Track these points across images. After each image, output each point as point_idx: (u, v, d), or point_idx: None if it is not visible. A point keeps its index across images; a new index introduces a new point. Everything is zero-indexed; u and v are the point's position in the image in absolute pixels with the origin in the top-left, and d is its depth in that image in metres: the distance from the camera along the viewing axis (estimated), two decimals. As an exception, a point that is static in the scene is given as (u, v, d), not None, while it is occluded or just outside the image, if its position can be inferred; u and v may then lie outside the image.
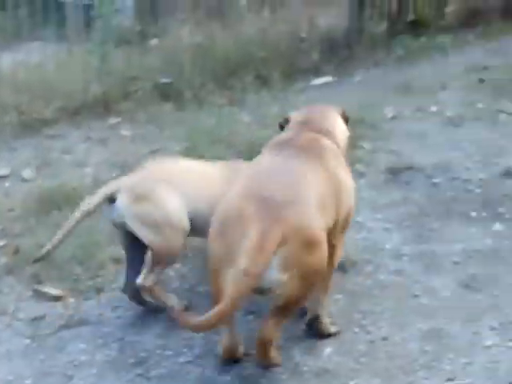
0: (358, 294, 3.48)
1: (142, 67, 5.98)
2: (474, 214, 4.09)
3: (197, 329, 2.85)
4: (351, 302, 3.42)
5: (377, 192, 4.38)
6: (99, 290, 3.56)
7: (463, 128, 5.17)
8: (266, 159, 3.10)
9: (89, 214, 3.26)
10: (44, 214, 4.12)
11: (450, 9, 7.42)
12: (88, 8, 6.84)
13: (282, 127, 3.38)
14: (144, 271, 3.25)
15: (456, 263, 3.67)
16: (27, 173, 4.67)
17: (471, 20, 7.39)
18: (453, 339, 3.15)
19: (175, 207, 3.24)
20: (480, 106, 5.49)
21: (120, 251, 3.58)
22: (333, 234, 3.02)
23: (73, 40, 6.23)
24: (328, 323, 3.19)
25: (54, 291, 3.53)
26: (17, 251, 3.81)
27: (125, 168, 4.68)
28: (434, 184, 4.43)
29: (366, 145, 4.91)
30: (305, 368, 3.02)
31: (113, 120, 5.44)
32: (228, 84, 5.93)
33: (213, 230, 2.85)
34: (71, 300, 3.49)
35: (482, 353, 3.06)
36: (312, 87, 5.85)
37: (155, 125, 5.39)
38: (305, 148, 3.07)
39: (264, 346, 2.89)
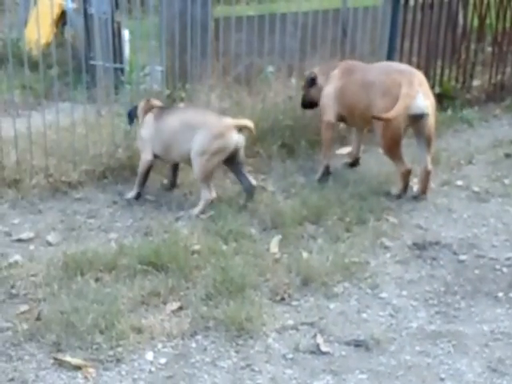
0: (382, 375, 3.41)
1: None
2: (500, 294, 4.03)
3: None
4: (374, 383, 3.36)
5: (402, 267, 4.35)
6: (119, 361, 3.51)
7: (490, 203, 5.15)
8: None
9: None
10: (67, 279, 4.09)
11: (476, 83, 7.47)
12: (118, 71, 6.97)
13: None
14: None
15: (483, 345, 3.60)
16: (52, 237, 4.65)
17: (498, 94, 7.44)
18: (480, 427, 3.08)
19: None
20: (507, 181, 5.48)
21: (141, 320, 3.68)
22: None
23: (102, 102, 6.30)
24: None
25: (74, 360, 3.48)
26: (39, 317, 3.77)
27: (148, 234, 4.69)
28: (461, 261, 4.39)
29: (391, 218, 4.89)
30: None
31: (139, 184, 5.44)
32: (254, 151, 5.95)
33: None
34: (91, 370, 3.44)
35: None
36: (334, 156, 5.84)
37: (181, 190, 5.39)
38: None
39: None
